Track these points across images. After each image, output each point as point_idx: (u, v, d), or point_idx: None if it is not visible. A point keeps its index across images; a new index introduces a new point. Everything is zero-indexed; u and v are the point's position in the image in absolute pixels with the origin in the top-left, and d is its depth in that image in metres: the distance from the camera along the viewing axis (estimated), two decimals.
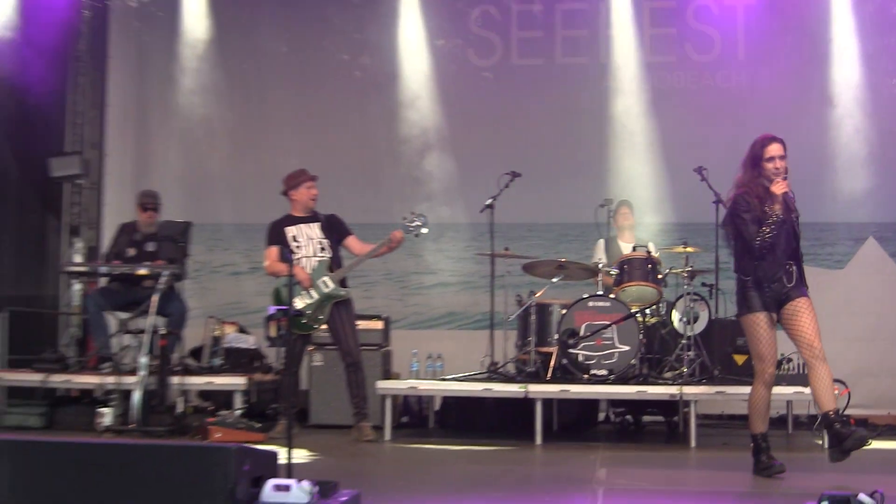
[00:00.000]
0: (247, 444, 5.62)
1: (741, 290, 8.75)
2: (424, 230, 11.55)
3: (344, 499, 5.49)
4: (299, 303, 11.31)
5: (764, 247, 8.49)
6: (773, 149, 8.66)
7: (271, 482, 5.37)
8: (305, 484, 5.35)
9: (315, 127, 15.75)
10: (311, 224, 11.69)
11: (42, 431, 11.93)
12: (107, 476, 5.25)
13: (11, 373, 12.93)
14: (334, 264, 11.57)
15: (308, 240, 11.63)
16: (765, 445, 8.64)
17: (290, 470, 6.24)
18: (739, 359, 12.61)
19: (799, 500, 5.72)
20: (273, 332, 11.46)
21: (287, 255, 10.92)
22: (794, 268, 8.78)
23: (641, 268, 12.51)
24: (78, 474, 5.27)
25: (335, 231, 11.74)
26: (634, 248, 13.04)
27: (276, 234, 11.72)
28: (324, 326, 11.58)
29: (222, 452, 5.24)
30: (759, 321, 8.85)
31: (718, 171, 12.46)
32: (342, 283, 11.54)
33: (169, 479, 5.20)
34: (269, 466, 5.68)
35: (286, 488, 5.33)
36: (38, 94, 14.66)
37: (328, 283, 11.43)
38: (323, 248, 11.62)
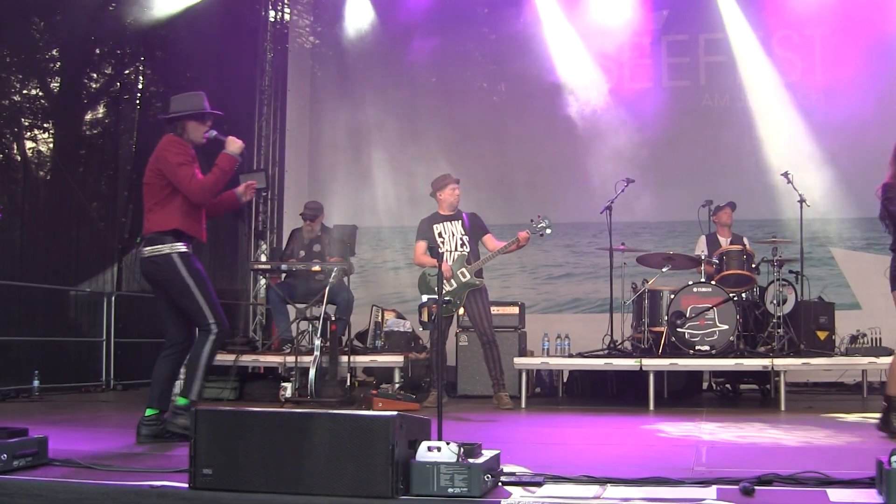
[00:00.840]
0: (404, 412, 5.63)
1: (893, 267, 8.35)
2: (549, 231, 11.53)
3: (486, 457, 5.48)
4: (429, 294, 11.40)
5: None
6: None
7: (425, 444, 5.38)
8: (453, 445, 5.36)
9: (459, 143, 15.80)
10: (455, 222, 11.72)
11: (234, 403, 12.08)
12: (289, 439, 5.30)
13: None
14: (472, 257, 11.58)
15: (451, 236, 11.67)
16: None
17: (440, 433, 6.24)
18: (822, 335, 12.49)
19: (874, 454, 5.59)
20: (425, 318, 11.51)
21: (437, 251, 11.01)
22: None
23: (738, 258, 12.41)
24: (265, 438, 5.33)
25: (475, 228, 11.76)
26: (731, 242, 12.93)
27: (424, 230, 11.81)
28: (461, 311, 11.62)
29: (384, 419, 5.26)
30: None
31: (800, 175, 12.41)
32: (478, 274, 11.54)
33: (340, 441, 5.23)
34: (422, 431, 5.69)
35: (437, 449, 5.34)
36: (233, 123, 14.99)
37: (466, 274, 11.44)
38: (463, 244, 11.64)
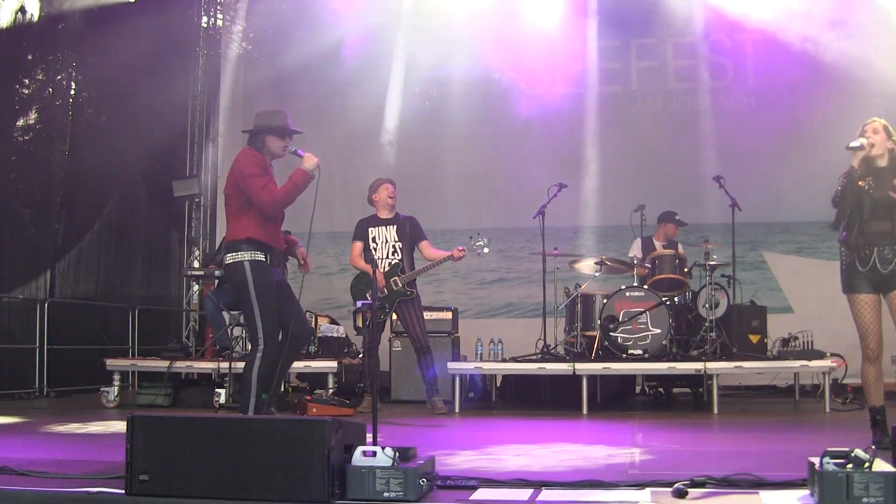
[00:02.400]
0: (339, 417, 5.65)
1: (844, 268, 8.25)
2: (486, 250, 11.62)
3: (421, 462, 5.52)
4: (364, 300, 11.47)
5: None
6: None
7: (360, 449, 5.41)
8: (388, 450, 5.39)
9: (391, 151, 15.82)
10: (390, 227, 11.73)
11: (168, 409, 12.05)
12: (225, 445, 5.31)
13: (142, 360, 13.25)
14: (406, 266, 11.60)
15: (384, 242, 11.69)
16: (879, 419, 7.96)
17: (375, 438, 6.26)
18: (754, 338, 12.64)
19: (805, 455, 5.67)
20: (360, 323, 11.58)
21: (371, 257, 11.07)
22: None
23: (670, 262, 12.54)
24: (202, 443, 5.34)
25: (411, 234, 11.77)
26: (665, 246, 13.06)
27: (361, 231, 11.85)
28: (394, 316, 11.72)
29: (320, 424, 5.28)
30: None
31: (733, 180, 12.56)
32: (410, 284, 11.57)
33: (276, 446, 5.25)
34: (358, 436, 5.73)
35: (372, 454, 5.37)
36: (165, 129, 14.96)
37: (397, 283, 11.47)
38: (395, 251, 11.67)
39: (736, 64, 15.63)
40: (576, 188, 13.64)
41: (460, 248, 11.44)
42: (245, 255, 8.23)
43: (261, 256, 8.29)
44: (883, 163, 7.90)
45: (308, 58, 15.95)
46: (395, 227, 11.74)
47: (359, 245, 11.76)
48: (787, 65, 15.02)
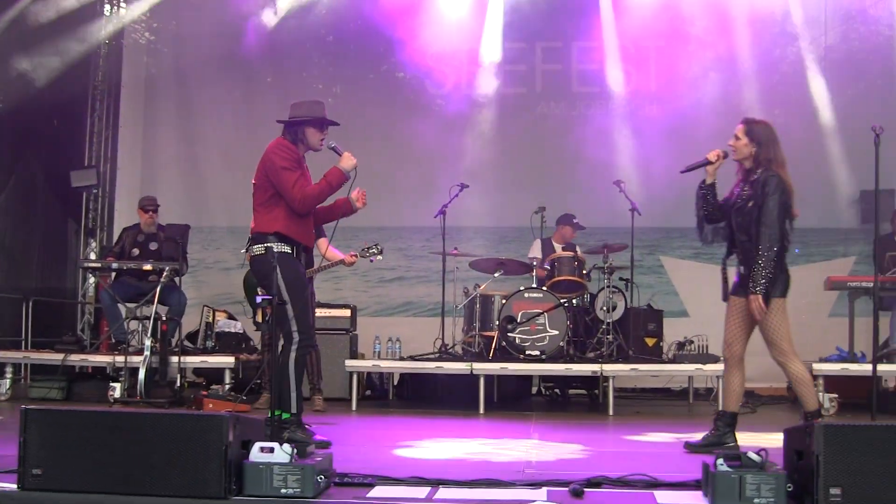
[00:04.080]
0: (236, 413, 5.62)
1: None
2: (380, 257, 11.60)
3: (319, 458, 5.52)
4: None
5: None
6: None
7: (258, 445, 5.40)
8: (286, 446, 5.38)
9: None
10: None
11: (62, 403, 11.88)
12: (121, 439, 5.27)
13: (36, 353, 12.98)
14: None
15: None
16: (720, 424, 8.18)
17: (272, 434, 6.26)
18: (650, 341, 12.78)
19: (699, 458, 5.77)
20: (260, 318, 11.53)
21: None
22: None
23: (569, 265, 12.64)
24: (97, 437, 5.29)
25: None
26: (564, 248, 13.15)
27: None
28: None
29: (217, 419, 5.27)
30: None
31: (633, 185, 12.71)
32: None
33: (173, 441, 5.22)
34: (256, 431, 5.71)
35: (270, 450, 5.36)
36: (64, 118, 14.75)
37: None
38: None
39: (639, 69, 15.77)
40: (477, 189, 13.66)
41: (353, 253, 11.42)
42: (273, 247, 8.03)
43: (287, 249, 8.10)
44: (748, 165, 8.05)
45: (210, 48, 15.83)
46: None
47: None
48: (688, 71, 15.19)
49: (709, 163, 8.13)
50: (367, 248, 11.31)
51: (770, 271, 7.68)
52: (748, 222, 7.85)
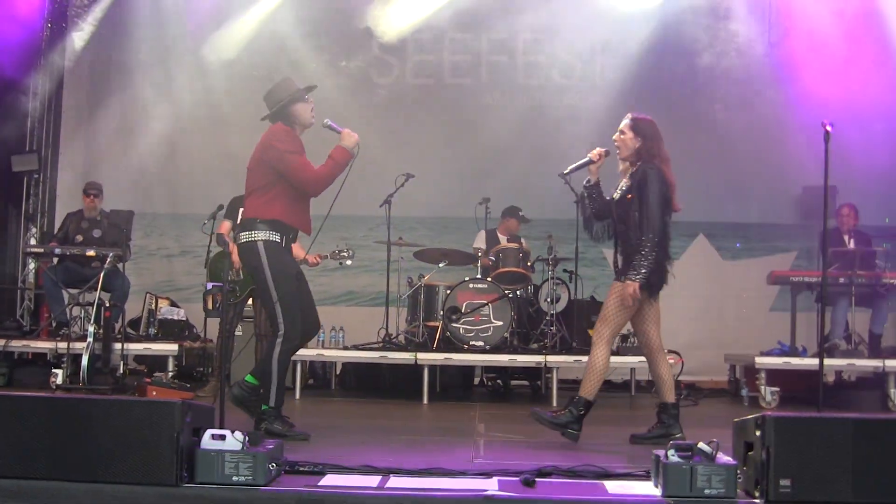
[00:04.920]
0: (187, 400, 5.59)
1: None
2: (349, 262, 11.57)
3: (270, 446, 5.50)
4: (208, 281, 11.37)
5: None
6: None
7: (209, 432, 5.37)
8: (238, 434, 5.36)
9: (237, 133, 15.63)
10: None
11: (2, 389, 11.74)
12: (71, 425, 5.23)
13: None
14: None
15: None
16: (664, 416, 8.39)
17: (222, 422, 6.23)
18: (593, 333, 12.78)
19: (646, 449, 5.82)
20: (210, 305, 11.45)
21: (223, 239, 10.93)
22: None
23: (514, 256, 12.66)
24: (47, 424, 5.24)
25: None
26: (508, 240, 13.18)
27: (232, 210, 11.58)
28: (250, 301, 11.49)
29: (169, 406, 5.24)
30: None
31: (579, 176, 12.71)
32: None
33: (124, 428, 5.19)
34: (206, 419, 5.68)
35: (222, 437, 5.34)
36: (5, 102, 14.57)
37: None
38: None
39: (584, 63, 15.81)
40: (423, 178, 13.64)
41: (318, 255, 11.39)
42: (259, 235, 7.86)
43: (276, 237, 7.91)
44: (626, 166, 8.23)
45: (153, 34, 15.72)
46: None
47: (227, 225, 11.47)
48: (633, 63, 15.27)
49: (591, 162, 8.28)
50: (339, 252, 11.30)
51: (651, 262, 7.84)
52: (626, 214, 8.02)
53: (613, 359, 12.23)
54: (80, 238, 12.56)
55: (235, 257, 11.02)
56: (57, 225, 14.17)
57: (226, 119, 15.50)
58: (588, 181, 8.37)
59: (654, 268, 7.87)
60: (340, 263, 11.58)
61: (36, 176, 15.57)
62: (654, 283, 8.00)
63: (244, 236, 7.97)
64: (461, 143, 15.42)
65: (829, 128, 8.00)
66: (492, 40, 16.07)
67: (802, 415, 5.32)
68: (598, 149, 8.28)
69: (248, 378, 7.96)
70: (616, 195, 8.18)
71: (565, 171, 8.52)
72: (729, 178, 15.14)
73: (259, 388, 7.89)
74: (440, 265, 12.95)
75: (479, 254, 12.82)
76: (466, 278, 12.40)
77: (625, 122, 8.21)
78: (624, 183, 8.17)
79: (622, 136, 8.17)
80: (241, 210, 8.26)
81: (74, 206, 13.52)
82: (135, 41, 15.75)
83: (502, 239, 13.48)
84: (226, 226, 11.45)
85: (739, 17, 15.61)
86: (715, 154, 15.02)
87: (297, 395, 11.76)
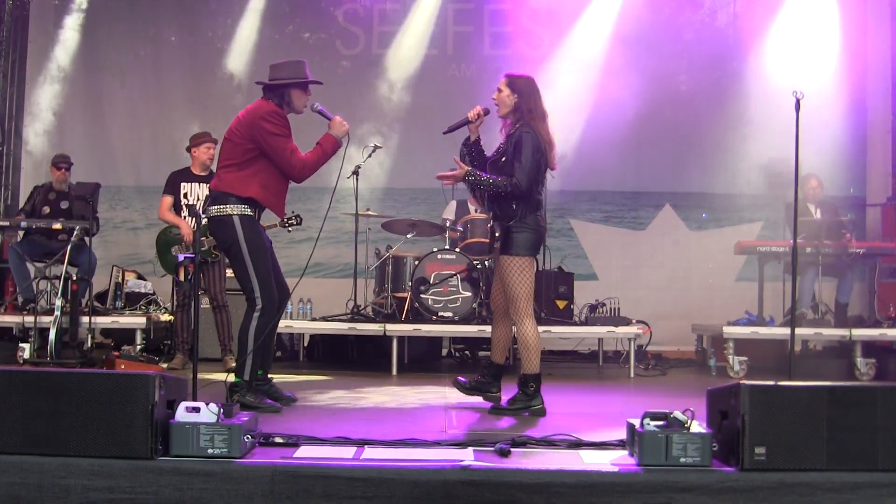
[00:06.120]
0: (160, 373, 5.56)
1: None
2: (298, 227, 11.51)
3: (245, 418, 5.48)
4: (179, 252, 11.31)
5: None
6: None
7: (184, 404, 5.35)
8: (213, 406, 5.34)
9: (200, 104, 15.56)
10: (203, 184, 11.46)
11: None
12: (44, 398, 5.19)
13: None
14: None
15: (196, 199, 11.46)
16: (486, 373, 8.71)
17: (195, 394, 6.21)
18: (561, 304, 12.81)
19: (617, 418, 5.84)
20: (182, 277, 11.38)
21: (193, 208, 10.92)
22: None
23: (482, 227, 12.64)
24: (19, 397, 5.20)
25: None
26: (477, 210, 13.14)
27: (172, 185, 11.58)
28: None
29: (143, 378, 5.21)
30: None
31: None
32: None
33: (98, 401, 5.15)
34: (180, 391, 5.66)
35: (196, 410, 5.32)
36: None
37: (204, 243, 11.19)
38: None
39: (551, 34, 15.79)
40: (390, 149, 13.60)
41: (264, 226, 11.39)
42: (234, 209, 7.77)
43: (249, 211, 7.82)
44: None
45: (118, 7, 15.64)
46: (209, 185, 11.55)
47: (168, 199, 11.49)
48: (598, 35, 15.28)
49: (469, 122, 8.34)
50: (287, 220, 11.24)
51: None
52: (499, 175, 8.04)
53: (584, 329, 12.38)
54: (47, 210, 12.42)
55: (186, 230, 11.01)
56: (22, 198, 14.05)
57: (192, 93, 15.50)
58: (468, 139, 8.44)
59: (524, 235, 8.02)
60: (289, 230, 11.50)
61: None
62: (534, 246, 8.17)
63: (216, 209, 7.88)
64: (428, 115, 15.32)
65: (798, 97, 8.00)
66: (457, 10, 16.01)
67: (777, 384, 5.32)
68: (477, 107, 8.35)
69: (235, 380, 7.95)
70: (493, 156, 8.24)
71: (445, 130, 8.54)
72: (694, 149, 15.19)
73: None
74: (408, 236, 12.92)
75: (448, 224, 12.79)
76: (435, 249, 12.37)
77: (502, 81, 8.28)
78: (503, 144, 8.22)
79: (500, 94, 8.23)
80: (212, 182, 8.21)
81: (38, 179, 13.44)
82: (98, 12, 15.67)
83: (472, 209, 13.44)
84: (167, 201, 11.45)
85: None
86: (681, 125, 15.06)
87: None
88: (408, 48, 15.85)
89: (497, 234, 8.13)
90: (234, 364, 10.94)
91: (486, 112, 8.31)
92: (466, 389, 8.45)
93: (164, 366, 11.05)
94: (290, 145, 7.91)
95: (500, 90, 8.21)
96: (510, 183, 7.88)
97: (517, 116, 8.12)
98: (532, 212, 8.06)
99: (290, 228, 11.46)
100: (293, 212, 11.25)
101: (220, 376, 8.44)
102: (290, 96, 8.07)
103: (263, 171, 7.89)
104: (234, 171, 7.88)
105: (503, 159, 8.03)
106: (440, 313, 12.02)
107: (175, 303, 11.61)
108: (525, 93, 8.13)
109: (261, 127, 7.83)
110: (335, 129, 8.08)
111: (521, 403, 8.00)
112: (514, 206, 8.00)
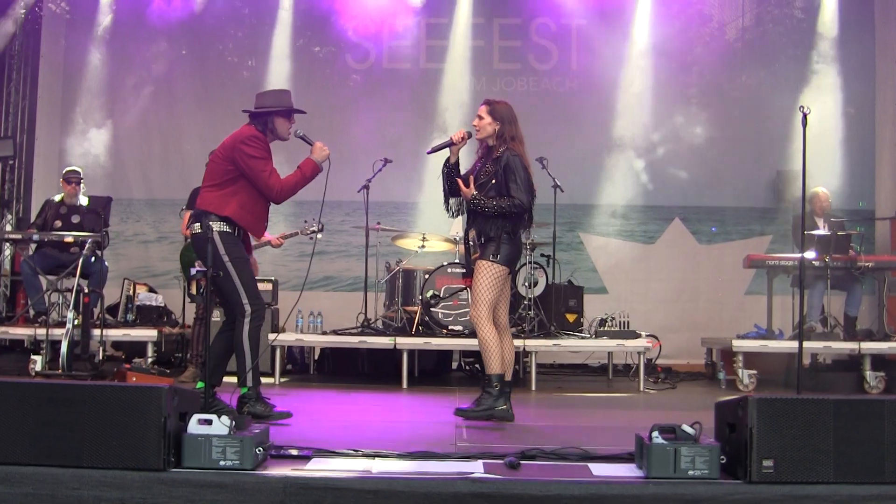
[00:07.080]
0: (174, 385, 5.60)
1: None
2: (319, 235, 11.56)
3: (257, 430, 5.52)
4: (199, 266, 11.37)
5: None
6: None
7: (196, 416, 5.39)
8: (225, 418, 5.38)
9: (213, 118, 15.59)
10: None
11: None
12: (58, 411, 5.22)
13: None
14: None
15: None
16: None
17: (207, 405, 6.25)
18: (571, 317, 12.86)
19: (627, 431, 5.86)
20: (194, 290, 11.43)
21: (210, 227, 10.92)
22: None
23: None
24: (33, 410, 5.24)
25: None
26: None
27: (193, 200, 11.62)
28: None
29: (156, 391, 5.24)
30: None
31: (557, 160, 12.78)
32: None
33: (111, 413, 5.19)
34: (193, 404, 5.70)
35: (209, 422, 5.35)
36: None
37: None
38: None
39: (560, 48, 15.84)
40: (399, 163, 13.63)
41: (283, 234, 11.41)
42: (214, 226, 7.88)
43: (228, 228, 7.94)
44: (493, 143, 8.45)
45: (128, 20, 15.70)
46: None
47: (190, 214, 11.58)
48: (607, 52, 15.32)
49: (453, 143, 8.52)
50: (308, 226, 11.30)
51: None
52: (488, 197, 8.24)
53: (593, 342, 12.39)
54: (58, 224, 12.48)
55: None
56: (34, 211, 14.11)
57: (204, 107, 15.54)
58: (448, 160, 8.59)
59: (506, 246, 8.21)
60: (311, 238, 11.54)
61: (11, 162, 15.50)
62: (513, 261, 8.38)
63: (197, 227, 8.03)
64: (438, 128, 15.39)
65: (805, 112, 8.04)
66: (467, 25, 16.04)
67: (784, 396, 5.36)
68: (461, 130, 8.58)
69: (243, 390, 7.97)
70: (478, 177, 8.36)
71: (429, 150, 8.82)
72: (704, 163, 15.22)
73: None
74: (418, 250, 12.96)
75: (458, 239, 12.83)
76: (445, 263, 12.42)
77: (482, 108, 8.48)
78: (486, 167, 8.37)
79: (481, 121, 8.43)
80: (197, 200, 8.30)
81: (50, 192, 13.49)
82: (108, 26, 15.71)
83: None
84: (188, 216, 11.51)
85: (712, 2, 15.73)
86: (690, 139, 15.08)
87: (277, 381, 11.74)
88: (415, 62, 15.92)
89: (481, 240, 8.29)
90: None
91: (470, 136, 8.51)
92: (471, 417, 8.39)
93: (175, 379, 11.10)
94: (269, 167, 8.06)
95: (480, 116, 8.42)
96: (513, 203, 8.11)
97: (501, 142, 8.33)
98: (521, 228, 8.36)
99: (311, 236, 11.52)
100: (314, 219, 11.30)
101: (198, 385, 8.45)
102: (274, 123, 8.22)
103: (242, 190, 8.04)
104: (215, 190, 8.06)
105: (492, 182, 8.23)
106: (450, 327, 12.07)
107: (194, 315, 11.66)
108: (507, 119, 8.37)
109: (241, 150, 8.00)
110: (316, 154, 8.27)
111: (485, 404, 8.10)
112: (504, 222, 8.18)
